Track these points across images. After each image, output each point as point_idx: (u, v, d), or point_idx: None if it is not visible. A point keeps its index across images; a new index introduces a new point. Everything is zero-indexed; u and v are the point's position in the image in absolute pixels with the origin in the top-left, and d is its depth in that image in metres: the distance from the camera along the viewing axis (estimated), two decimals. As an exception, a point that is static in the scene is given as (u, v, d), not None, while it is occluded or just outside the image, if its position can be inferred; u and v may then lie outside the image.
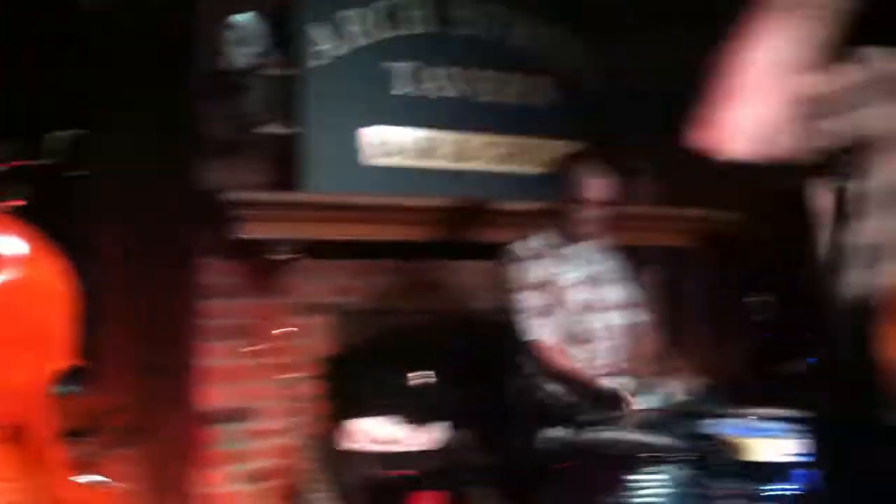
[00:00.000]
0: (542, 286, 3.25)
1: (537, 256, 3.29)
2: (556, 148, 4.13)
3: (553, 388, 3.15)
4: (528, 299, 3.23)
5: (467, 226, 3.87)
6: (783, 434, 2.91)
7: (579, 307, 3.32)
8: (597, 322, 3.35)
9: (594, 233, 3.37)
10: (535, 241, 3.34)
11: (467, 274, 4.00)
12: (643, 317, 3.53)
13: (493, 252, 3.64)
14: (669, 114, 4.19)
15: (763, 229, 4.10)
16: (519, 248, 3.32)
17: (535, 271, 3.27)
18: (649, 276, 4.49)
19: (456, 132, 3.95)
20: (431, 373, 3.74)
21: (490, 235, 3.84)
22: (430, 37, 3.88)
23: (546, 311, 3.25)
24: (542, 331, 3.21)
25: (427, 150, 3.89)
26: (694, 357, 4.43)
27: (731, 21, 1.48)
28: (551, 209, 3.40)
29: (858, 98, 1.51)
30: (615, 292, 3.44)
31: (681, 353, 4.53)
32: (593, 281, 3.39)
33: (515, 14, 4.09)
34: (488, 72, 4.02)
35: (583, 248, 3.41)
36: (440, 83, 3.91)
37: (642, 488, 2.70)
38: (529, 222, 3.77)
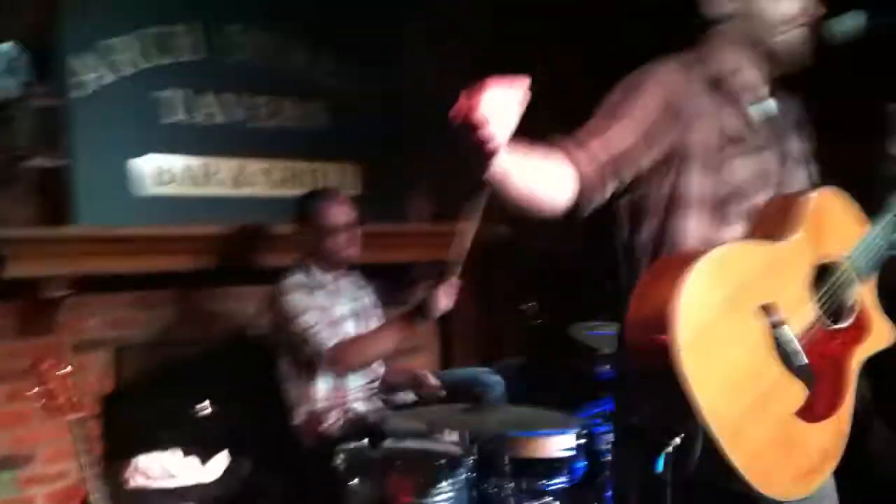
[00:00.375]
0: (316, 307, 3.30)
1: (308, 289, 3.32)
2: (332, 170, 4.24)
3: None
4: (311, 317, 3.25)
5: (247, 251, 3.88)
6: (561, 431, 3.15)
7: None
8: None
9: (349, 259, 3.44)
10: (301, 275, 3.36)
11: (249, 299, 4.01)
12: None
13: (274, 276, 3.68)
14: (441, 131, 4.46)
15: (531, 239, 4.35)
16: (286, 282, 3.33)
17: (305, 297, 3.30)
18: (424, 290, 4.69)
19: (231, 158, 3.94)
20: (208, 403, 3.72)
21: (270, 260, 3.88)
22: (200, 64, 3.85)
23: (330, 320, 3.30)
24: (332, 339, 3.23)
25: (202, 178, 3.86)
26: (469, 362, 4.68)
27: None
28: (306, 246, 3.46)
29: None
30: (376, 324, 3.53)
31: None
32: (359, 315, 3.48)
33: (287, 40, 4.13)
34: (262, 97, 4.04)
35: (346, 282, 3.51)
36: (213, 110, 3.89)
37: (433, 494, 2.79)
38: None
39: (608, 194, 1.77)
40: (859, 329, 1.79)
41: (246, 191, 3.98)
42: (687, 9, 1.91)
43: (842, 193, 1.85)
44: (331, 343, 3.21)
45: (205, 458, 3.54)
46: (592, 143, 1.74)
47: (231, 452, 3.61)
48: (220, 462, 3.56)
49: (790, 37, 1.81)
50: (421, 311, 3.20)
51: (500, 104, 1.46)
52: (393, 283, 4.36)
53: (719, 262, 1.64)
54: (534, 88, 1.48)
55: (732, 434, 1.58)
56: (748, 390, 1.62)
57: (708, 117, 1.79)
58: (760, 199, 1.80)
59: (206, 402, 3.67)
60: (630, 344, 1.72)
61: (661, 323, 1.57)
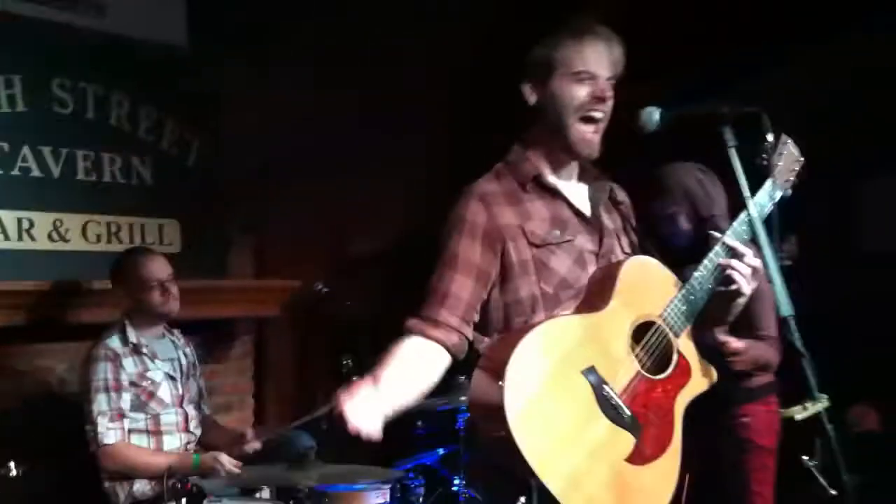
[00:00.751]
0: (117, 388, 3.28)
1: (114, 358, 3.30)
2: (152, 226, 4.25)
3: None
4: (103, 403, 3.24)
5: (60, 307, 3.82)
6: (375, 485, 3.29)
7: (165, 403, 3.41)
8: (179, 415, 3.46)
9: (167, 314, 3.47)
10: (113, 341, 3.34)
11: (61, 356, 3.96)
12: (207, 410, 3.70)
13: (87, 332, 3.65)
14: (261, 187, 4.59)
15: (345, 295, 4.50)
16: (97, 349, 3.31)
17: (111, 373, 3.28)
18: (242, 346, 4.74)
19: (52, 213, 3.90)
20: (13, 465, 3.62)
21: (84, 316, 3.85)
22: (24, 116, 3.83)
23: (120, 414, 3.28)
24: (114, 434, 3.24)
25: (22, 232, 3.81)
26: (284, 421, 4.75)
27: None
28: (124, 305, 3.46)
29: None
30: (194, 385, 3.60)
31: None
32: (174, 378, 3.49)
33: (112, 93, 4.15)
34: (80, 151, 4.02)
35: (164, 342, 3.52)
36: (29, 163, 3.86)
37: None
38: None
39: (471, 335, 2.05)
40: (680, 376, 2.04)
41: (65, 246, 3.93)
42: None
43: (650, 260, 2.10)
44: (109, 440, 3.22)
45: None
46: (441, 314, 2.00)
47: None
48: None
49: (578, 128, 2.04)
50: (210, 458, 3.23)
51: (357, 409, 1.87)
52: (214, 339, 4.40)
53: (542, 335, 1.87)
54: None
55: (567, 487, 1.81)
56: (579, 446, 1.85)
57: (524, 225, 2.03)
58: (584, 279, 2.04)
59: (11, 464, 3.55)
60: (474, 416, 1.94)
61: (494, 398, 1.80)
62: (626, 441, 1.93)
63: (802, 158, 2.22)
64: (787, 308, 1.91)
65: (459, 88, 5.25)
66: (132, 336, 3.39)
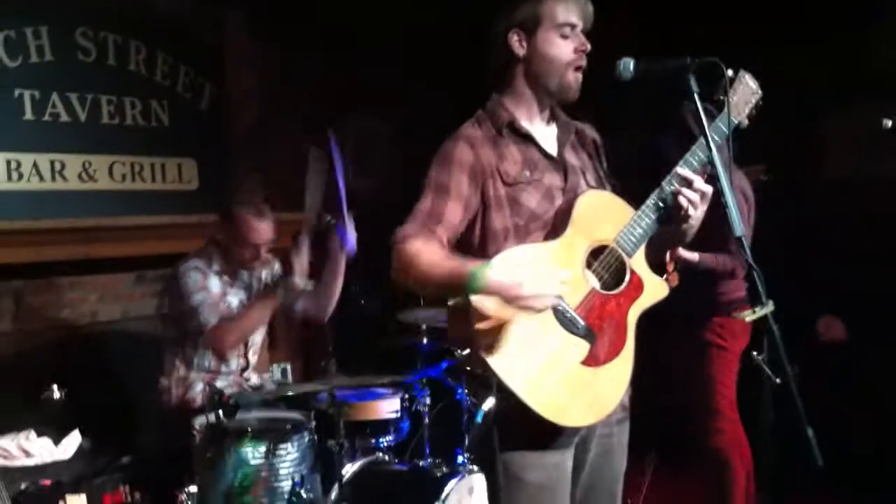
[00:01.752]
0: (206, 289, 3.57)
1: (202, 272, 3.58)
2: (175, 164, 4.55)
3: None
4: (203, 297, 3.53)
5: (95, 242, 4.15)
6: (387, 395, 3.67)
7: None
8: (255, 336, 3.79)
9: (256, 263, 3.73)
10: (200, 263, 3.60)
11: (93, 288, 4.30)
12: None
13: (125, 265, 3.97)
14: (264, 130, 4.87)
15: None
16: (187, 265, 3.58)
17: (200, 281, 3.56)
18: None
19: (81, 154, 4.19)
20: (56, 388, 3.94)
21: (118, 250, 4.19)
22: (51, 65, 4.09)
23: (215, 302, 3.57)
24: (215, 317, 3.53)
25: (55, 173, 4.10)
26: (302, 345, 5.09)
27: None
28: (214, 239, 3.69)
29: None
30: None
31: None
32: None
33: (130, 41, 4.42)
34: (109, 96, 4.30)
35: (243, 272, 3.77)
36: (63, 109, 4.14)
37: (279, 456, 3.21)
38: (157, 235, 4.19)
39: None
40: (633, 290, 2.34)
41: (91, 186, 4.23)
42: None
43: (605, 192, 2.40)
44: (213, 322, 3.52)
45: (57, 439, 3.79)
46: (438, 231, 2.26)
47: (83, 431, 3.88)
48: (73, 441, 3.82)
49: (566, 76, 2.33)
50: (282, 282, 3.58)
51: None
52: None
53: (504, 261, 2.18)
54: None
55: (527, 385, 2.16)
56: (537, 353, 2.19)
57: (500, 166, 2.31)
58: (551, 213, 2.34)
59: (54, 387, 3.88)
60: (450, 333, 2.32)
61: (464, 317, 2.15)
62: (582, 347, 2.25)
63: (760, 91, 2.48)
64: (738, 229, 2.21)
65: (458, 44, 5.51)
66: (216, 264, 3.65)
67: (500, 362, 2.16)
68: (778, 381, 2.20)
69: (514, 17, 2.34)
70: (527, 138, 2.38)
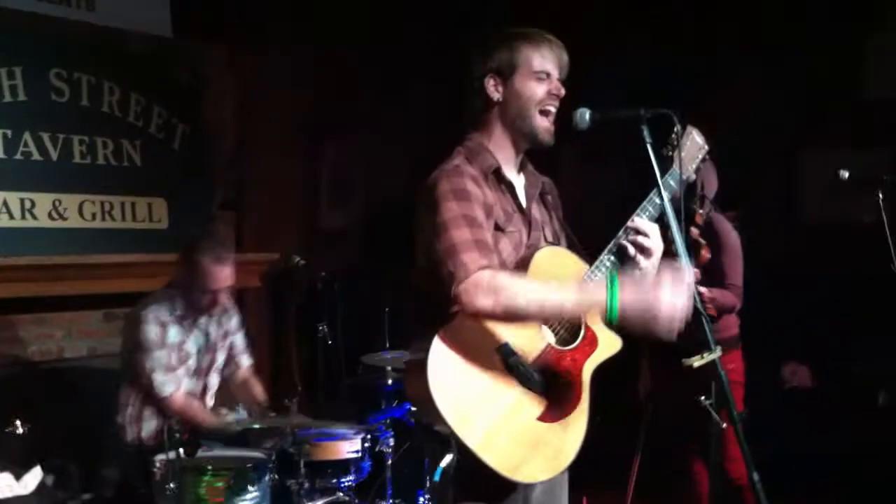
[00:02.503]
0: (164, 346, 3.61)
1: (163, 323, 3.62)
2: (145, 203, 4.60)
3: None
4: (159, 360, 3.58)
5: (63, 280, 4.19)
6: (349, 435, 3.69)
7: (192, 371, 3.75)
8: (199, 385, 3.82)
9: (215, 309, 3.77)
10: (161, 308, 3.64)
11: (58, 325, 4.33)
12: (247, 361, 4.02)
13: (93, 302, 4.00)
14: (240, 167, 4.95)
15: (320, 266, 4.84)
16: (147, 311, 3.61)
17: (162, 334, 3.61)
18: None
19: (52, 193, 4.23)
20: (18, 423, 3.93)
21: (86, 287, 4.23)
22: (24, 104, 4.15)
23: (171, 367, 3.63)
24: (170, 386, 3.60)
25: (25, 211, 4.14)
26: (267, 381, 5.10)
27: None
28: (174, 281, 3.73)
29: None
30: (223, 354, 3.91)
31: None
32: (201, 351, 3.80)
33: (104, 82, 4.48)
34: (81, 135, 4.36)
35: (202, 319, 3.79)
36: (35, 148, 4.19)
37: (239, 495, 3.25)
38: (125, 273, 4.22)
39: None
40: (587, 346, 2.36)
41: (61, 224, 4.27)
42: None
43: (560, 249, 2.45)
44: (169, 389, 3.57)
45: (19, 474, 3.77)
46: (496, 259, 2.23)
47: (45, 467, 3.86)
48: (35, 476, 3.80)
49: (536, 117, 2.37)
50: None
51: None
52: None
53: (463, 318, 2.19)
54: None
55: (482, 441, 2.17)
56: (493, 409, 2.21)
57: (492, 206, 2.32)
58: (512, 266, 2.34)
59: (17, 422, 3.88)
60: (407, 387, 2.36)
61: (421, 373, 2.17)
62: (538, 403, 2.27)
63: (706, 146, 2.58)
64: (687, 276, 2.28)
65: (428, 75, 5.64)
66: (178, 308, 3.68)
67: (457, 419, 2.18)
68: (724, 425, 2.26)
69: (492, 63, 2.39)
70: (509, 187, 2.42)
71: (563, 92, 2.41)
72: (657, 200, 2.39)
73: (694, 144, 2.57)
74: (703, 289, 3.42)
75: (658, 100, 2.42)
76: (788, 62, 5.24)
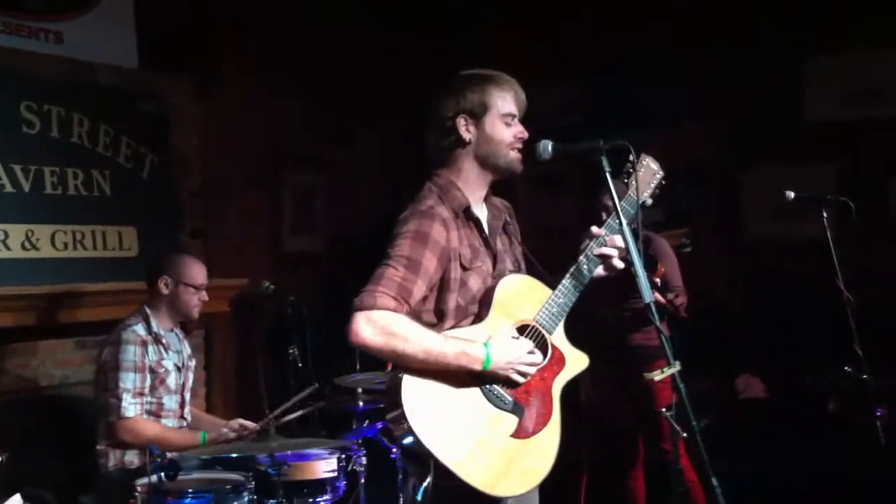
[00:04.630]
0: (143, 369, 3.68)
1: (143, 343, 3.70)
2: (115, 232, 4.67)
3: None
4: (132, 382, 3.64)
5: (37, 310, 4.25)
6: (324, 455, 3.79)
7: (170, 389, 3.81)
8: (177, 402, 3.87)
9: (194, 316, 3.90)
10: (140, 328, 3.72)
11: (43, 352, 4.40)
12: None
13: (66, 331, 4.06)
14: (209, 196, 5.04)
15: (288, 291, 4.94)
16: (128, 333, 3.69)
17: (140, 356, 3.67)
18: (194, 340, 5.15)
19: (24, 224, 4.29)
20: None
21: (60, 317, 4.29)
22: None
23: (141, 392, 3.68)
24: (134, 409, 3.64)
25: (-1, 243, 4.18)
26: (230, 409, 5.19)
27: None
28: (152, 298, 3.82)
29: None
30: (192, 374, 4.01)
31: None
32: (179, 368, 3.88)
33: (73, 113, 4.55)
34: (52, 167, 4.42)
35: (173, 335, 3.90)
36: (7, 180, 4.25)
37: None
38: (97, 302, 4.29)
39: None
40: (555, 364, 2.53)
41: (33, 254, 4.33)
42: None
43: (522, 276, 2.60)
44: (130, 414, 3.62)
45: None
46: (406, 307, 2.38)
47: (24, 495, 3.89)
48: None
49: (509, 155, 2.55)
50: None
51: None
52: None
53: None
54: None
55: (460, 461, 2.31)
56: (468, 430, 2.36)
57: (460, 250, 2.48)
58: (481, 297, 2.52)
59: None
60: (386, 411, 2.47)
61: (398, 398, 2.32)
62: (510, 422, 2.43)
63: (661, 171, 2.76)
64: (647, 295, 2.44)
65: (391, 99, 5.81)
66: (154, 326, 3.77)
67: (433, 439, 2.31)
68: (685, 434, 2.41)
69: (463, 105, 2.54)
70: (476, 224, 2.57)
71: (526, 135, 2.60)
72: (614, 224, 2.57)
73: (648, 171, 2.75)
74: (665, 297, 3.69)
75: (613, 123, 2.61)
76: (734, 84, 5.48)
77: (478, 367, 2.38)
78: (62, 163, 4.47)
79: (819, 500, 4.44)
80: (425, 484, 2.84)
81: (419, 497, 3.26)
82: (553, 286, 2.58)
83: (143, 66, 4.87)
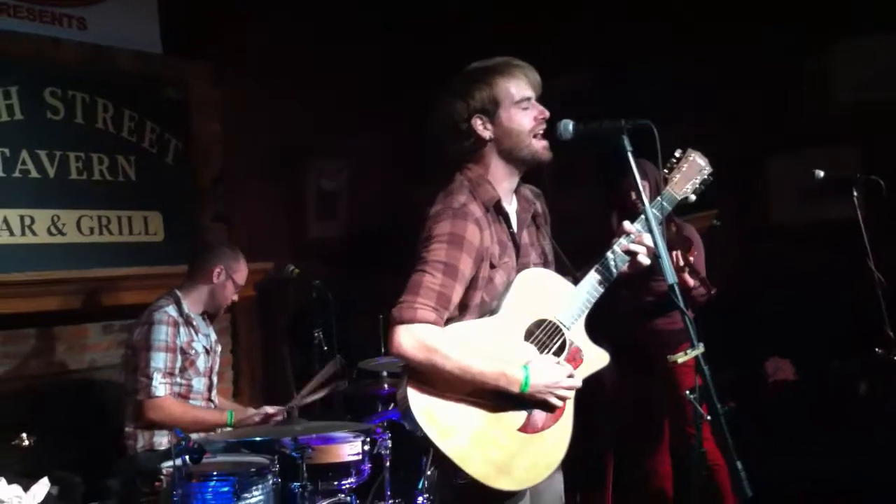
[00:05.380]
0: (174, 349, 3.71)
1: (175, 324, 3.73)
2: (141, 217, 4.69)
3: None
4: (163, 361, 3.67)
5: (64, 295, 4.28)
6: (349, 439, 3.79)
7: (199, 371, 3.85)
8: (205, 384, 3.90)
9: (221, 310, 3.96)
10: (171, 309, 3.76)
11: (70, 337, 4.44)
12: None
13: (92, 315, 4.08)
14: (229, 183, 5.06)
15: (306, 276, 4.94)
16: (161, 313, 3.72)
17: (171, 336, 3.71)
18: (220, 324, 5.17)
19: (50, 209, 4.32)
20: (25, 436, 4.00)
21: (89, 301, 4.32)
22: (21, 123, 4.24)
23: (171, 372, 3.71)
24: (164, 388, 3.67)
25: (25, 228, 4.22)
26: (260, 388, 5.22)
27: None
28: (192, 280, 3.86)
29: None
30: (217, 360, 4.03)
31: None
32: (208, 351, 3.92)
33: (98, 99, 4.57)
34: (77, 152, 4.45)
35: (201, 319, 3.93)
36: (33, 166, 4.28)
37: (244, 499, 3.32)
38: (123, 287, 4.32)
39: None
40: (571, 361, 2.47)
41: (59, 239, 4.36)
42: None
43: (542, 270, 2.54)
44: (159, 393, 3.64)
45: (27, 486, 3.85)
46: (446, 314, 2.34)
47: (52, 478, 3.94)
48: (42, 488, 3.88)
49: (532, 144, 2.47)
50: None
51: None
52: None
53: (451, 334, 2.33)
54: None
55: (465, 452, 2.29)
56: (475, 423, 2.33)
57: (491, 248, 2.42)
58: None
59: (24, 434, 3.95)
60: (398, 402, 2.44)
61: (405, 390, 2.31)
62: (519, 416, 2.39)
63: (709, 167, 2.66)
64: (671, 277, 2.40)
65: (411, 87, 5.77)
66: (186, 308, 3.81)
67: (437, 431, 2.29)
68: (709, 417, 2.38)
69: (474, 105, 2.45)
70: (506, 218, 2.50)
71: (547, 114, 2.50)
72: (649, 216, 2.44)
73: (694, 166, 2.65)
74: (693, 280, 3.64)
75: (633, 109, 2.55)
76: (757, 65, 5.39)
77: (516, 389, 2.35)
78: (87, 148, 4.50)
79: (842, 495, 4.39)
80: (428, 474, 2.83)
81: (419, 486, 3.26)
82: (577, 281, 2.53)
83: (165, 50, 4.88)
